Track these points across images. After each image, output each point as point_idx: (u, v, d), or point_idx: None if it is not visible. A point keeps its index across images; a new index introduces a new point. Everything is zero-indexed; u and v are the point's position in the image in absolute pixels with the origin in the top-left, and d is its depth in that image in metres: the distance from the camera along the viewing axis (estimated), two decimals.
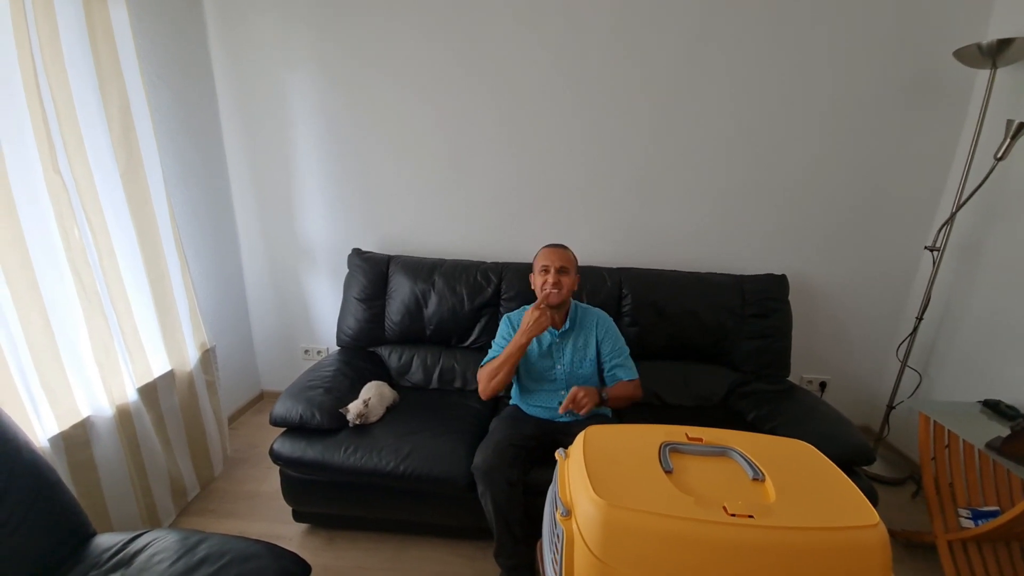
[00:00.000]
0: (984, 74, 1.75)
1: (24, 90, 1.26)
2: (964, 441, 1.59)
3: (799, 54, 1.91)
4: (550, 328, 1.62)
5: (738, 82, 1.96)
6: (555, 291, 1.57)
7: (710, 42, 1.92)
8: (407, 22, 1.98)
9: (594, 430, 0.84)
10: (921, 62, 1.87)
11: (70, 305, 1.40)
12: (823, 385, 2.34)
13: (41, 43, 1.31)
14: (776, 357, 1.98)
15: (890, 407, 2.08)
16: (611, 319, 1.71)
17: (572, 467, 0.76)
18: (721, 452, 0.81)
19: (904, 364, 2.03)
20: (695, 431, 0.85)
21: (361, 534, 1.69)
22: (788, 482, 0.73)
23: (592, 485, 0.68)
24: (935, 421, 1.63)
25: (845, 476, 0.76)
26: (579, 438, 0.81)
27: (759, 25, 1.88)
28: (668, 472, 0.74)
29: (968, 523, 1.54)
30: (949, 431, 1.62)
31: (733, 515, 0.66)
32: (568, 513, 0.70)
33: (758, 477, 0.74)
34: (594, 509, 0.66)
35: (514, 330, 1.65)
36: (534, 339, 1.60)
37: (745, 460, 0.77)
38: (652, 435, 0.83)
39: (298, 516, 1.70)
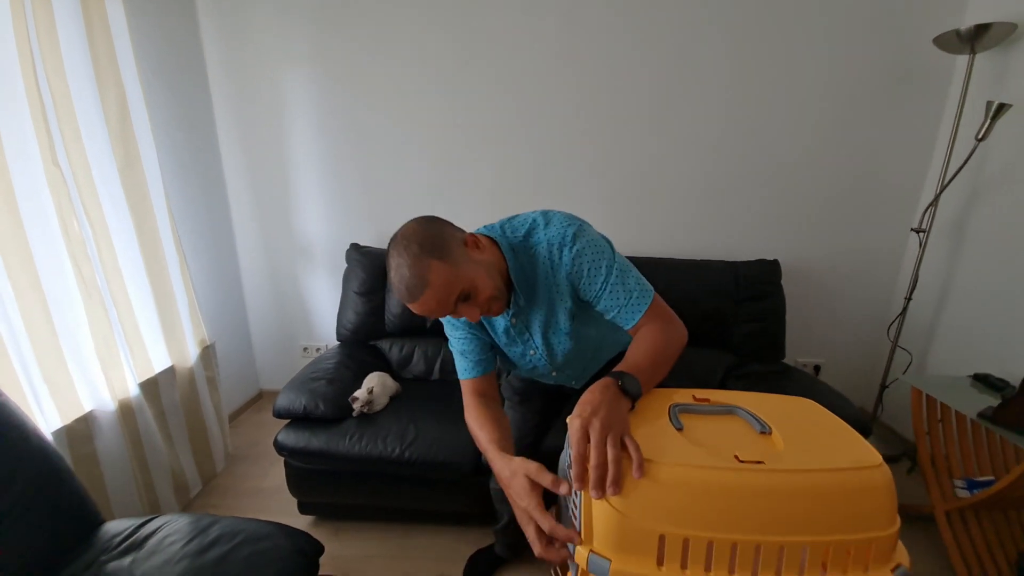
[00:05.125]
0: (963, 59, 1.81)
1: (23, 82, 1.26)
2: (956, 413, 1.63)
3: (782, 44, 1.96)
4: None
5: (725, 74, 2.00)
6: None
7: (699, 34, 1.96)
8: (406, 16, 2.00)
9: None
10: (901, 49, 1.93)
11: (71, 298, 1.39)
12: (817, 368, 2.38)
13: (39, 36, 1.31)
14: (771, 339, 2.01)
15: (883, 386, 2.12)
16: (585, 239, 0.94)
17: None
18: (728, 411, 0.83)
19: (895, 344, 2.07)
20: (702, 393, 0.87)
21: (367, 524, 1.69)
22: (794, 433, 0.75)
23: None
24: (927, 395, 1.67)
25: (847, 425, 0.79)
26: None
27: (744, 17, 1.93)
28: (679, 430, 0.76)
29: (964, 493, 1.58)
30: (941, 404, 1.66)
31: (743, 462, 0.68)
32: None
33: (765, 431, 0.77)
34: None
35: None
36: (492, 327, 1.07)
37: (752, 416, 0.79)
38: (661, 398, 0.85)
39: (303, 508, 1.70)
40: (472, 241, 0.91)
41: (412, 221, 0.89)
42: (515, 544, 1.49)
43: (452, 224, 0.93)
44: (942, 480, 1.67)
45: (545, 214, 0.98)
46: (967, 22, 1.72)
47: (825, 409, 0.84)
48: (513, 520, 1.30)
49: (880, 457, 0.69)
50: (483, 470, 1.45)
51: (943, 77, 1.95)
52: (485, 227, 1.02)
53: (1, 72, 1.22)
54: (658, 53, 1.99)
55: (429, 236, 0.85)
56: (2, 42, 1.22)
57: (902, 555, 0.69)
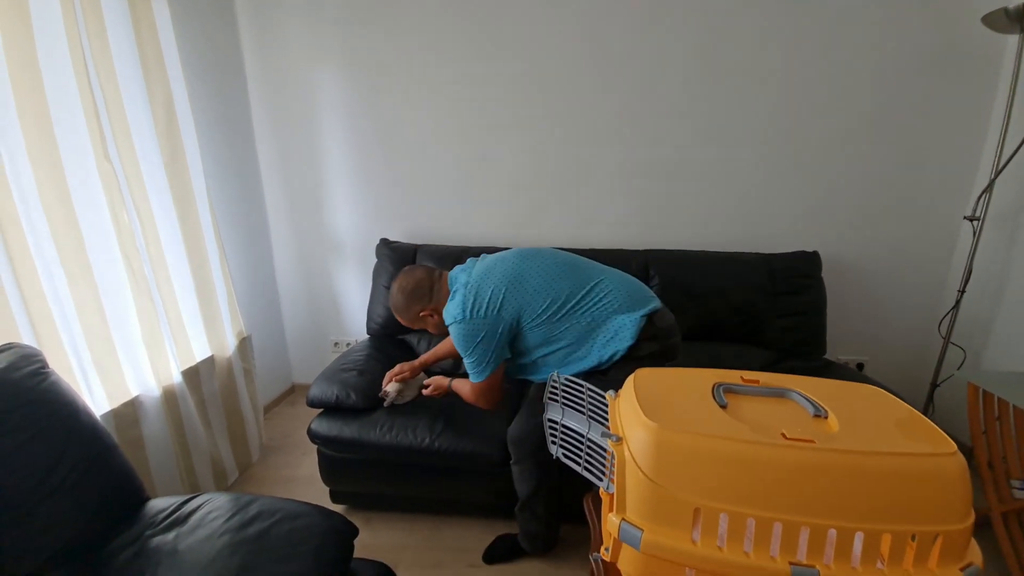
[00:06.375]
0: (1014, 39, 1.71)
1: (76, 84, 1.32)
2: (1015, 409, 1.54)
3: (821, 25, 1.89)
4: None
5: (760, 57, 1.95)
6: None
7: (731, 16, 1.92)
8: (429, 11, 2.03)
9: (644, 372, 0.84)
10: (948, 29, 1.85)
11: (120, 288, 1.45)
12: (860, 366, 2.28)
13: (91, 41, 1.37)
14: (810, 335, 1.94)
15: (934, 385, 2.01)
16: (453, 325, 1.35)
17: (623, 404, 0.76)
18: (779, 393, 0.79)
19: (947, 340, 1.96)
20: (750, 374, 0.84)
21: (397, 515, 1.70)
22: (853, 417, 0.70)
23: (644, 412, 0.68)
24: (984, 392, 1.58)
25: (919, 413, 0.74)
26: (629, 380, 0.81)
27: (783, 2, 1.88)
28: (722, 407, 0.74)
29: (1021, 494, 1.48)
30: (999, 401, 1.57)
31: (790, 439, 0.65)
32: (619, 439, 0.70)
33: (820, 414, 0.72)
34: (645, 432, 0.66)
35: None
36: None
37: (806, 399, 0.75)
38: (705, 377, 0.82)
39: (335, 497, 1.72)
40: (428, 314, 1.46)
41: (404, 279, 1.45)
42: (535, 534, 1.48)
43: (422, 288, 1.44)
44: (999, 481, 1.57)
45: (465, 287, 1.36)
46: (1015, 0, 1.63)
47: (894, 397, 0.79)
48: (530, 499, 1.43)
49: (954, 445, 0.65)
50: (508, 459, 1.45)
51: (993, 57, 1.86)
52: (467, 265, 1.45)
53: (56, 74, 1.28)
54: (688, 36, 1.96)
55: (400, 301, 1.45)
56: (56, 46, 1.27)
57: (975, 553, 0.64)
